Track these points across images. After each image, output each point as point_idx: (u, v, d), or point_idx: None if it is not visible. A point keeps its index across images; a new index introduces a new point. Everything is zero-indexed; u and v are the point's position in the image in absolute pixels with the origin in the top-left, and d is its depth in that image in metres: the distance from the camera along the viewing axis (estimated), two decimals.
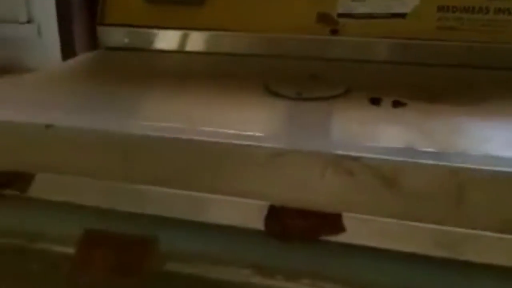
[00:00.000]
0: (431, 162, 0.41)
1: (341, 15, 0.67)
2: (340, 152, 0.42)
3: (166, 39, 0.74)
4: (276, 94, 0.55)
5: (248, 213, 0.41)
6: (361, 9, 0.67)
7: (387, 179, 0.41)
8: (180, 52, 0.73)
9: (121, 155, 0.46)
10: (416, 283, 0.38)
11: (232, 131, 0.46)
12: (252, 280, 0.42)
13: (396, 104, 0.52)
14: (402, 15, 0.66)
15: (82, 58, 0.75)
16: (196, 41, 0.73)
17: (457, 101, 0.53)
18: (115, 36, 0.76)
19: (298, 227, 0.40)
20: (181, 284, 0.42)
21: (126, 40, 0.75)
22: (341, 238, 0.40)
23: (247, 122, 0.50)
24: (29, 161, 0.47)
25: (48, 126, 0.47)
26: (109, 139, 0.46)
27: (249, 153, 0.44)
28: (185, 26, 0.72)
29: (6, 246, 0.47)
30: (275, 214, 0.41)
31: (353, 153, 0.42)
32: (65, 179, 0.45)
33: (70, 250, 0.45)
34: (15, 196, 0.46)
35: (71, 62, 0.74)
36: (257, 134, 0.45)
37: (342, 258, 0.40)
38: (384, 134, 0.46)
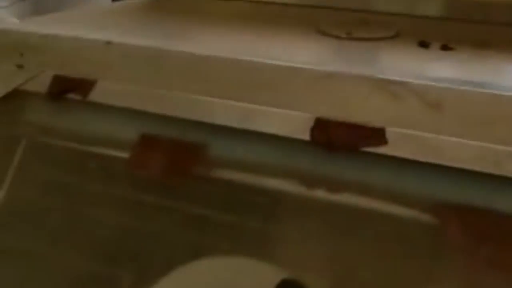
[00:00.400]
0: (475, 89, 0.42)
1: None
2: (386, 76, 0.44)
3: None
4: (327, 34, 0.57)
5: (295, 124, 0.44)
6: None
7: (431, 103, 0.43)
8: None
9: (176, 70, 0.48)
10: (455, 195, 0.39)
11: (284, 56, 0.48)
12: (295, 189, 0.44)
13: (444, 47, 0.54)
14: None
15: None
16: None
17: (504, 49, 0.54)
18: None
19: (342, 138, 0.42)
20: (227, 190, 0.45)
21: None
22: (382, 150, 0.41)
23: (299, 51, 0.52)
24: (92, 71, 0.50)
25: (108, 43, 0.50)
26: (162, 54, 0.49)
27: (300, 74, 0.46)
28: None
29: (67, 147, 0.50)
30: (321, 125, 0.43)
31: (398, 78, 0.44)
32: (123, 86, 0.48)
33: (126, 154, 0.48)
34: (78, 101, 0.50)
35: (127, 1, 0.77)
36: (308, 59, 0.47)
37: (382, 169, 0.41)
38: (430, 66, 0.48)
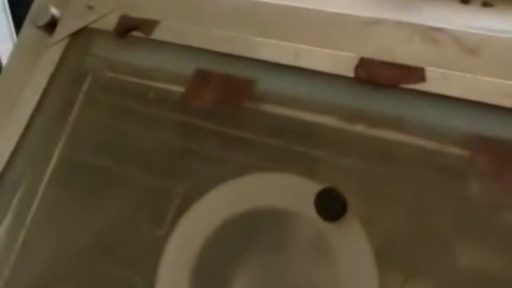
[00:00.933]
0: (509, 36, 0.45)
1: None
2: (427, 23, 0.48)
3: None
4: None
5: (340, 62, 0.47)
6: None
7: (469, 48, 0.46)
8: None
9: (231, 14, 0.53)
10: (485, 129, 0.43)
11: (331, 5, 0.52)
12: (337, 123, 0.47)
13: (485, 4, 0.57)
14: None
15: None
16: None
17: None
18: None
19: (383, 75, 0.46)
20: (273, 121, 0.49)
21: None
22: (421, 87, 0.45)
23: (343, 3, 0.55)
24: (156, 13, 0.55)
25: None
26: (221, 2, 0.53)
27: (346, 20, 0.50)
28: None
29: (129, 80, 0.55)
30: (364, 64, 0.47)
31: (438, 24, 0.47)
32: (183, 26, 0.53)
33: (182, 87, 0.53)
34: (141, 38, 0.55)
35: None
36: (352, 6, 0.51)
37: (419, 105, 0.45)
38: (469, 17, 0.51)
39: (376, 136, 0.46)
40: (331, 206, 0.41)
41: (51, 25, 0.58)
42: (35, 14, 0.60)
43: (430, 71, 0.45)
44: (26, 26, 0.61)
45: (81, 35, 0.57)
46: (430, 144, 0.44)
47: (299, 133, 0.48)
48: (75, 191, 0.52)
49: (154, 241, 0.46)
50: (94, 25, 0.56)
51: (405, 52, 0.47)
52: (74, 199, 0.52)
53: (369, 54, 0.48)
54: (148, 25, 0.54)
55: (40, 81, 0.55)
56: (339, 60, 0.48)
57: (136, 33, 0.55)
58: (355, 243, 0.41)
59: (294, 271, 0.43)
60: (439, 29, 0.47)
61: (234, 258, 0.44)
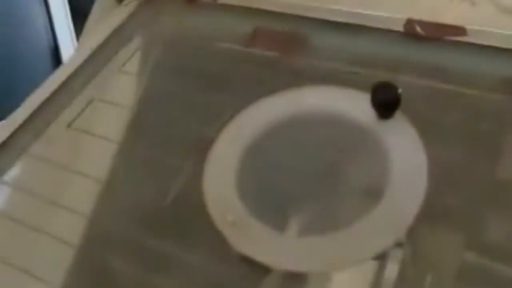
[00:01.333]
0: None
1: None
2: None
3: None
4: None
5: (390, 22, 0.54)
6: None
7: (505, 8, 0.52)
8: None
9: None
10: None
11: None
12: (385, 74, 0.53)
13: None
14: None
15: None
16: None
17: None
18: None
19: (429, 30, 0.52)
20: (325, 70, 0.55)
21: None
22: (462, 39, 0.51)
23: None
24: None
25: None
26: None
27: None
28: None
29: (196, 40, 0.61)
30: (411, 22, 0.53)
31: None
32: None
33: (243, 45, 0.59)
34: (207, 3, 0.61)
35: None
36: None
37: (462, 54, 0.51)
38: None
39: (422, 83, 0.52)
40: (386, 97, 0.45)
41: None
42: None
43: (470, 29, 0.51)
44: None
45: (152, 1, 0.64)
46: (471, 89, 0.50)
47: (349, 76, 0.53)
48: (152, 111, 0.57)
49: (206, 138, 0.49)
50: None
51: (447, 13, 0.53)
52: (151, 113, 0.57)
53: (416, 15, 0.54)
54: None
55: (106, 28, 0.61)
56: (389, 20, 0.54)
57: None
58: (410, 148, 0.44)
59: (344, 172, 0.46)
60: None
61: (282, 160, 0.47)
